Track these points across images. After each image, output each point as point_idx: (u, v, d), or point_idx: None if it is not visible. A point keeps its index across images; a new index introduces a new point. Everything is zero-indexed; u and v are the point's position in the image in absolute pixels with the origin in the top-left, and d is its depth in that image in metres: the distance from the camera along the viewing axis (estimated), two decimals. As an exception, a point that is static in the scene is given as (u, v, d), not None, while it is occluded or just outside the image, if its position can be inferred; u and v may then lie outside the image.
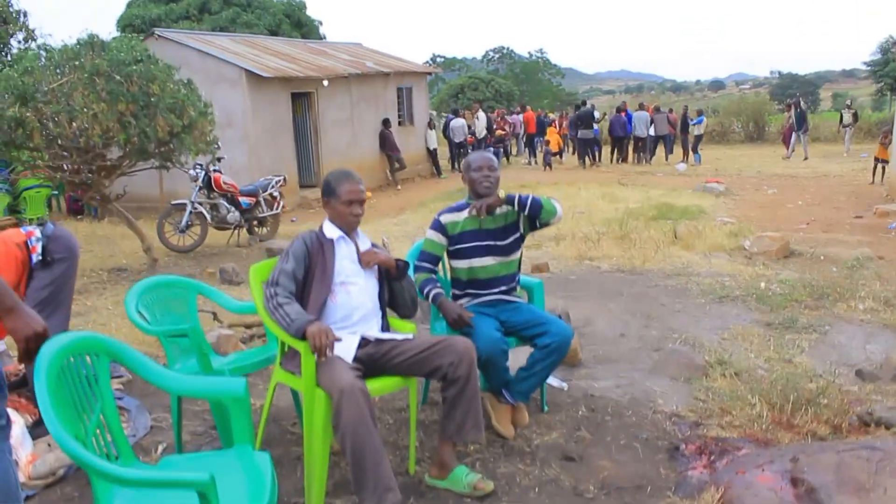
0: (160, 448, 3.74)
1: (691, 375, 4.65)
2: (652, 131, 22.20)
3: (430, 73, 22.69)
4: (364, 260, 3.32)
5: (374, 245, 3.49)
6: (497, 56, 63.83)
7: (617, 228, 10.51)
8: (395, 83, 19.03)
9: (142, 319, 3.42)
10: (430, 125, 20.77)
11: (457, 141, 21.11)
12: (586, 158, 21.92)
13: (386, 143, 17.99)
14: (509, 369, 3.72)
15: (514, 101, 43.39)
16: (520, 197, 3.80)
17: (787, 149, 24.08)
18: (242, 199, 10.44)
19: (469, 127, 21.29)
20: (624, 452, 3.62)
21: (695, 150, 22.41)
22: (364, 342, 3.20)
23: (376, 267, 3.41)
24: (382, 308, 3.39)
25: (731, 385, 4.52)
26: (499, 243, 3.87)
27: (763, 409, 4.13)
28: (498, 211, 3.91)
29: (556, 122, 27.12)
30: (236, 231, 10.62)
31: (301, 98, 15.43)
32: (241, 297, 7.45)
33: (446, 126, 21.25)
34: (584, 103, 23.29)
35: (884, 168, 16.28)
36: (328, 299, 3.22)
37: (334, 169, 3.51)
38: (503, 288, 3.90)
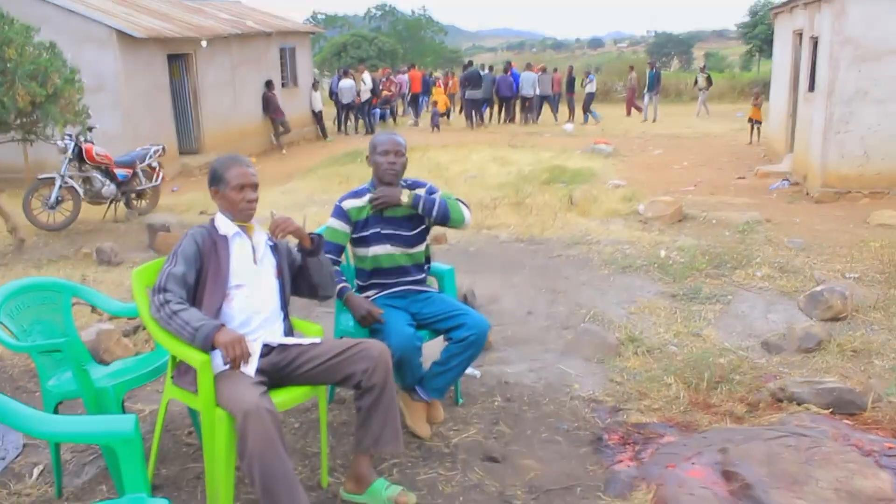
0: (35, 472, 3.30)
1: (604, 355, 4.56)
2: (538, 91, 22.25)
3: (313, 33, 21.86)
4: (279, 227, 2.96)
5: (270, 239, 3.14)
6: (379, 13, 62.48)
7: (512, 194, 10.42)
8: (277, 43, 18.20)
9: (6, 333, 2.95)
10: (315, 86, 20.07)
11: (344, 102, 20.50)
12: (474, 119, 21.78)
13: (269, 106, 17.23)
14: (422, 365, 3.48)
15: (398, 60, 42.70)
16: (425, 204, 3.52)
17: (629, 111, 24.60)
18: (118, 171, 9.65)
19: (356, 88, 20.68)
20: (547, 448, 3.46)
21: (587, 110, 22.63)
22: (266, 349, 2.88)
23: (275, 263, 3.07)
24: (284, 309, 3.06)
25: (644, 364, 4.47)
26: (403, 233, 3.60)
27: (679, 389, 4.09)
28: (405, 197, 3.62)
29: (442, 82, 26.83)
30: (113, 205, 9.84)
31: (178, 60, 14.46)
32: (121, 279, 6.92)
33: (333, 87, 20.57)
34: (470, 63, 23.06)
35: (758, 128, 16.94)
36: (223, 304, 2.86)
37: (221, 155, 3.12)
38: (412, 278, 3.63)
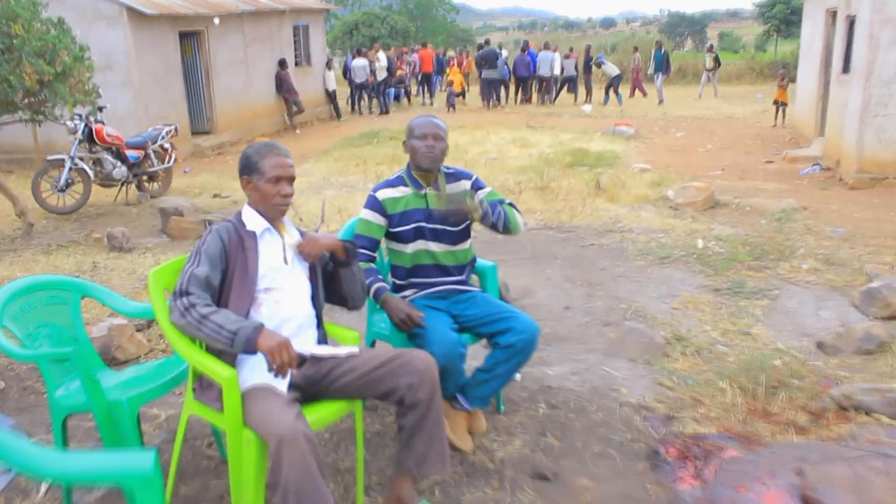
0: (43, 488, 3.03)
1: (651, 356, 4.26)
2: (563, 72, 21.82)
3: (327, 10, 21.43)
4: (306, 251, 2.67)
5: (302, 233, 2.83)
6: (392, -9, 61.76)
7: (535, 178, 10.09)
8: (290, 21, 17.80)
9: (9, 339, 2.66)
10: (329, 65, 19.68)
11: (358, 82, 20.11)
12: (491, 99, 21.38)
13: (283, 86, 16.87)
14: (465, 371, 3.18)
15: (410, 39, 42.15)
16: (493, 216, 3.21)
17: (633, 93, 23.89)
18: (129, 153, 9.37)
19: (370, 67, 20.27)
20: (600, 464, 3.16)
21: (614, 90, 22.08)
22: (299, 360, 2.58)
23: (306, 265, 2.76)
24: (318, 316, 2.76)
25: (694, 366, 4.16)
26: (449, 229, 3.28)
27: (735, 395, 3.79)
28: (448, 188, 3.31)
29: (456, 61, 26.36)
30: (124, 188, 9.56)
31: (190, 38, 14.11)
32: (133, 267, 6.64)
33: (347, 66, 20.17)
34: (487, 42, 22.60)
35: (784, 111, 16.48)
36: (251, 309, 2.56)
37: (255, 141, 2.80)
38: (455, 278, 3.32)
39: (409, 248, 3.24)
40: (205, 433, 3.36)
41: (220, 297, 2.54)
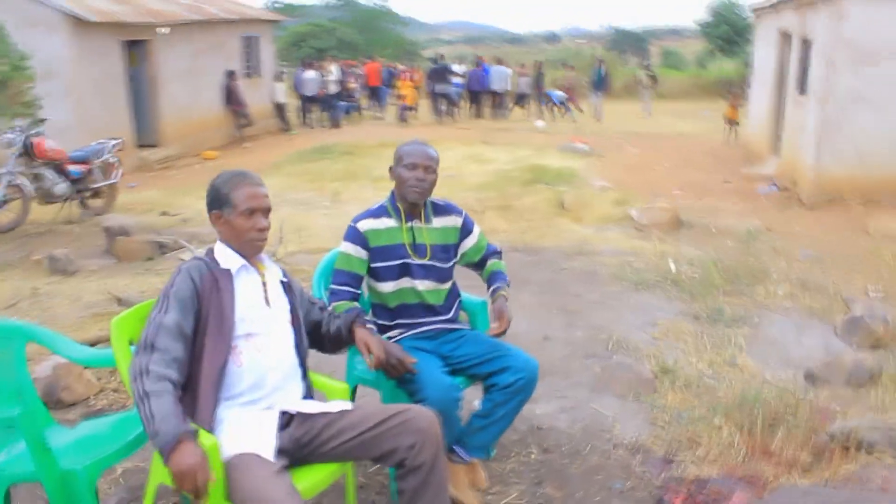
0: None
1: (640, 391, 4.06)
2: (518, 88, 21.81)
3: (277, 21, 21.00)
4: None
5: (285, 275, 2.54)
6: (339, 3, 61.38)
7: (495, 196, 9.92)
8: (240, 32, 17.36)
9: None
10: (278, 77, 19.25)
11: (308, 95, 19.71)
12: (442, 113, 21.20)
13: (231, 98, 16.42)
14: (461, 419, 2.92)
15: (359, 51, 41.88)
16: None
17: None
18: (72, 168, 8.87)
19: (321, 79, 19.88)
20: (605, 516, 2.93)
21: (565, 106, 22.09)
22: (285, 419, 2.29)
23: (288, 308, 2.47)
24: (303, 365, 2.46)
25: (684, 401, 3.97)
26: (438, 265, 3.02)
27: (733, 433, 3.60)
28: (436, 221, 3.05)
29: (406, 74, 26.14)
30: (66, 205, 9.05)
31: (136, 47, 13.58)
32: (79, 293, 6.20)
33: (297, 78, 19.77)
34: (441, 57, 22.43)
35: (736, 129, 16.68)
36: (229, 360, 2.26)
37: (224, 171, 2.50)
38: (444, 317, 3.06)
39: (391, 286, 2.98)
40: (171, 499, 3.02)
41: (194, 347, 2.24)
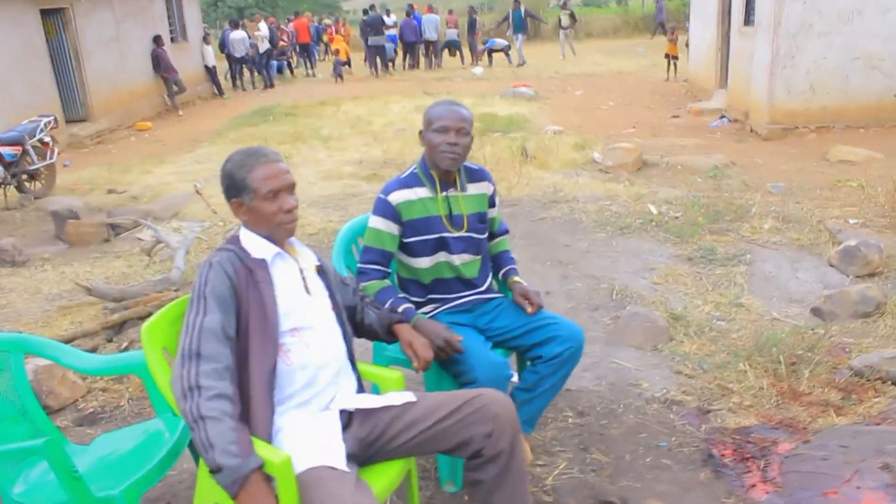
0: None
1: (657, 341, 3.98)
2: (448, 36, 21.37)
3: (199, -20, 20.02)
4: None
5: (319, 258, 2.32)
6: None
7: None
8: (161, -7, 16.47)
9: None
10: (206, 40, 18.41)
11: (237, 56, 18.95)
12: (378, 66, 20.69)
13: (160, 64, 15.61)
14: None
15: (278, 7, 40.60)
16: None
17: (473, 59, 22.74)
18: (4, 150, 8.28)
19: (250, 40, 19.09)
20: (661, 478, 2.84)
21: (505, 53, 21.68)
22: (345, 419, 2.09)
23: (327, 292, 2.26)
24: (351, 356, 2.26)
25: (702, 348, 3.92)
26: (475, 236, 2.81)
27: (759, 377, 3.55)
28: (470, 188, 2.84)
29: (334, 29, 25.42)
30: (1, 190, 8.48)
31: (53, 16, 12.69)
32: (36, 285, 5.80)
33: (224, 40, 18.95)
34: (372, 7, 21.78)
35: (675, 64, 16.71)
36: (278, 361, 2.04)
37: (234, 152, 2.23)
38: (481, 288, 2.87)
39: (427, 261, 2.76)
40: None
41: (238, 348, 2.01)
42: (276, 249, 2.16)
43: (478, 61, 22.31)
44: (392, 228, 2.70)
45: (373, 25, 19.68)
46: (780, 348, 3.77)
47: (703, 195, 6.68)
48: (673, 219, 6.02)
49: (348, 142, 11.01)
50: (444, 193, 2.75)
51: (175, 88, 15.88)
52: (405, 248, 2.75)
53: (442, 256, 2.75)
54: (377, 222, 2.71)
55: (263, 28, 19.24)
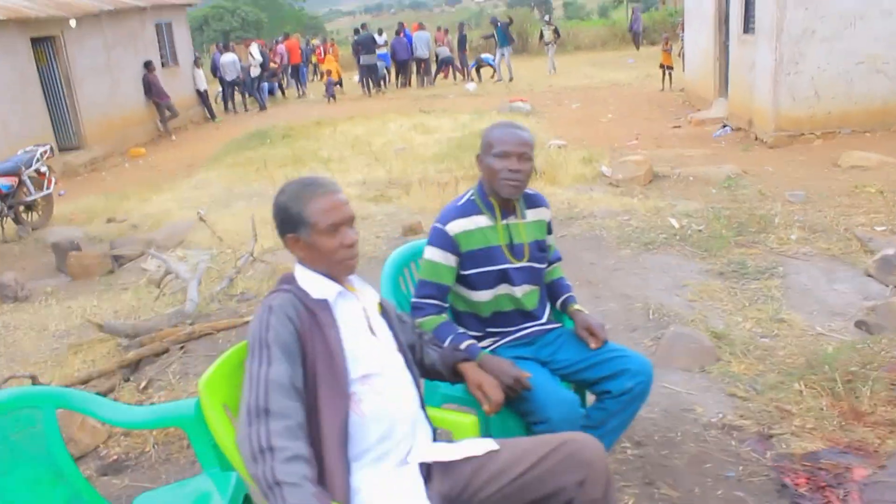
0: None
1: (704, 362, 3.82)
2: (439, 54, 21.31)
3: (190, 5, 19.88)
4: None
5: (385, 303, 2.16)
6: (236, -19, 59.16)
7: (457, 166, 9.57)
8: (152, 19, 16.35)
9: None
10: (197, 63, 18.29)
11: (228, 79, 18.82)
12: (370, 86, 20.60)
13: (152, 89, 15.48)
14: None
15: (263, 30, 40.60)
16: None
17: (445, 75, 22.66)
18: (0, 182, 8.10)
19: (241, 63, 18.96)
20: (737, 513, 2.67)
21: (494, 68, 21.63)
22: (424, 473, 1.91)
23: (390, 332, 2.09)
24: (422, 401, 2.09)
25: (751, 368, 3.76)
26: (536, 266, 2.65)
27: (817, 398, 3.40)
28: (529, 215, 2.68)
29: (322, 49, 25.33)
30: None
31: (43, 44, 12.55)
32: (43, 321, 5.60)
33: (214, 63, 18.81)
34: (363, 27, 21.71)
35: (670, 74, 16.68)
36: (350, 413, 1.87)
37: (287, 182, 2.06)
38: (541, 319, 2.71)
39: (487, 294, 2.59)
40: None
41: (306, 403, 1.83)
42: (339, 288, 1.99)
43: (469, 78, 22.24)
44: (450, 260, 2.53)
45: (365, 44, 19.61)
46: (832, 366, 3.62)
47: (722, 207, 6.55)
48: (696, 232, 5.89)
49: (349, 163, 10.87)
50: (505, 221, 2.58)
51: (168, 114, 15.75)
52: (464, 280, 2.58)
53: (503, 289, 2.58)
54: (434, 254, 2.54)
55: (256, 52, 19.11)
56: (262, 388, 1.74)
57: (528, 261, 2.60)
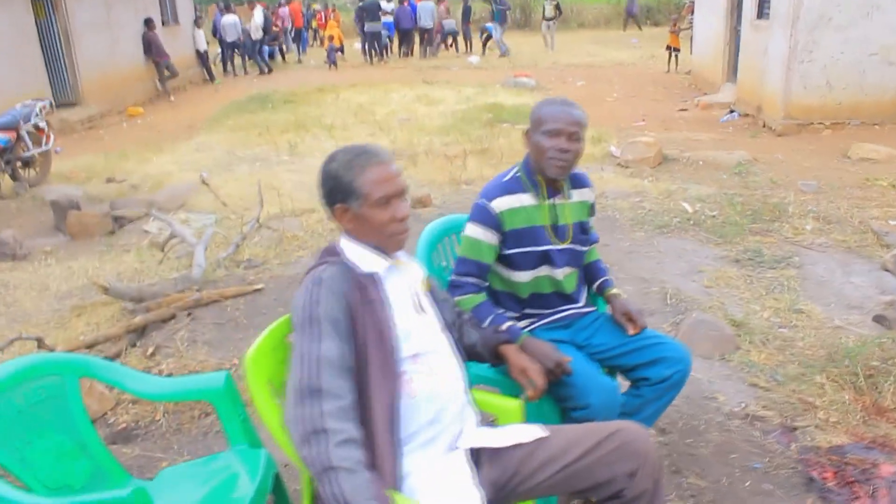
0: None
1: (724, 350, 3.78)
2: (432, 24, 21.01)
3: (191, -39, 19.50)
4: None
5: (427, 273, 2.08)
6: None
7: (462, 139, 9.46)
8: (153, -26, 16.02)
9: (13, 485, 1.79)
10: (198, 23, 17.97)
11: (229, 41, 18.52)
12: (373, 53, 20.34)
13: (152, 48, 15.19)
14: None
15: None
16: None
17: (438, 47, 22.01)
18: (-3, 136, 7.93)
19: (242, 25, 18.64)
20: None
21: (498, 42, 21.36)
22: (473, 459, 1.85)
23: (436, 310, 2.03)
24: (468, 382, 2.02)
25: (771, 358, 3.73)
26: (578, 248, 2.58)
27: (840, 391, 3.37)
28: (574, 195, 2.60)
29: (323, 14, 25.01)
30: (-4, 178, 8.14)
31: (41, -4, 12.27)
32: (43, 280, 5.50)
33: (215, 24, 18.50)
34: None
35: (677, 56, 16.55)
36: (401, 393, 1.80)
37: (338, 149, 1.97)
38: (580, 302, 2.65)
39: (528, 275, 2.51)
40: None
41: (357, 383, 1.76)
42: (388, 262, 1.92)
43: (471, 49, 22.01)
44: (492, 239, 2.45)
45: (370, 11, 19.31)
46: (854, 360, 3.58)
47: (735, 193, 6.50)
48: (710, 217, 5.83)
49: (352, 131, 10.73)
50: (550, 201, 2.50)
51: (167, 73, 15.49)
52: (504, 259, 2.50)
53: (544, 270, 2.51)
54: (476, 231, 2.45)
55: (259, 15, 18.76)
56: (313, 366, 1.66)
57: (571, 242, 2.53)
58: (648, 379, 2.46)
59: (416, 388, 1.80)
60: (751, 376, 3.55)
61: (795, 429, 3.15)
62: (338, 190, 1.89)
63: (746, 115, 10.90)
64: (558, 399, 2.34)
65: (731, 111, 11.27)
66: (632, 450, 1.84)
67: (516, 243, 2.46)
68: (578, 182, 2.61)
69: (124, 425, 3.47)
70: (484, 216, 2.44)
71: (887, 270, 4.77)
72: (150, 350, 4.12)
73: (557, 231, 2.50)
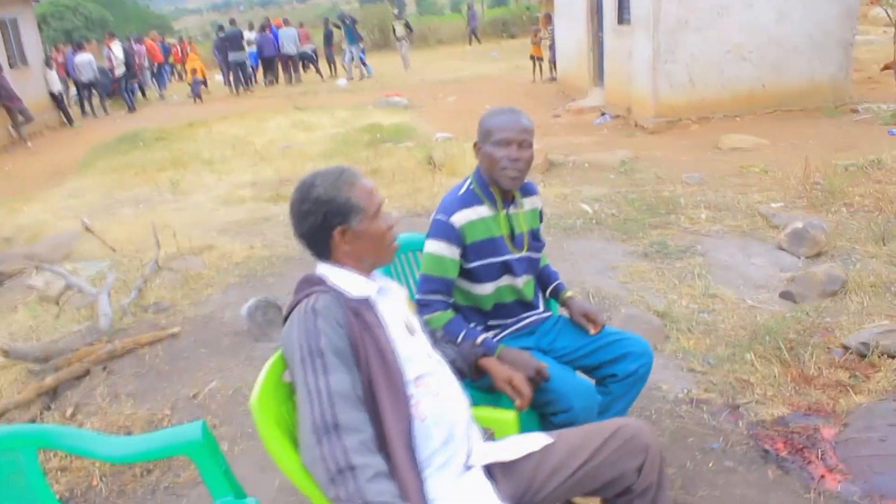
0: None
1: (656, 341, 3.92)
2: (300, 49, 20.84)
3: (36, 0, 18.42)
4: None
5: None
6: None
7: (350, 163, 9.36)
8: (-6, 15, 15.04)
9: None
10: (49, 64, 17.00)
11: (84, 80, 17.64)
12: (239, 84, 19.90)
13: (1, 92, 14.23)
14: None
15: (108, 29, 38.53)
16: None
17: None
18: None
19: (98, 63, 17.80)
20: (733, 481, 2.77)
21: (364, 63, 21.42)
22: (489, 475, 1.84)
23: (423, 328, 2.02)
24: (468, 399, 2.01)
25: (700, 343, 3.92)
26: (533, 256, 2.62)
27: (770, 366, 3.57)
28: (526, 204, 2.63)
29: (179, 48, 24.27)
30: None
31: None
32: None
33: (68, 63, 17.57)
34: (232, 22, 20.86)
35: (541, 65, 17.12)
36: (412, 415, 1.76)
37: (312, 175, 1.90)
38: (539, 308, 2.69)
39: (490, 287, 2.52)
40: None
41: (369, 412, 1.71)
42: (377, 284, 1.88)
43: (335, 74, 21.94)
44: (455, 253, 2.44)
45: (232, 41, 18.89)
46: (773, 335, 3.81)
47: (628, 191, 6.79)
48: (611, 216, 6.06)
49: (233, 164, 10.45)
50: (506, 211, 2.53)
51: (21, 119, 14.55)
52: (466, 273, 2.50)
53: (505, 280, 2.53)
54: (439, 247, 2.43)
55: (118, 50, 17.96)
56: (326, 402, 1.61)
57: (528, 250, 2.56)
58: (616, 375, 2.53)
59: (424, 411, 1.78)
60: (686, 362, 3.71)
61: (738, 406, 3.31)
62: (335, 212, 1.84)
63: (617, 116, 11.41)
64: (536, 406, 2.36)
65: (603, 114, 11.77)
66: (637, 444, 1.88)
67: (477, 256, 2.47)
68: (527, 190, 2.66)
69: (57, 497, 3.21)
70: (445, 231, 2.43)
71: (783, 249, 5.11)
72: (69, 411, 3.86)
73: (515, 240, 2.53)
